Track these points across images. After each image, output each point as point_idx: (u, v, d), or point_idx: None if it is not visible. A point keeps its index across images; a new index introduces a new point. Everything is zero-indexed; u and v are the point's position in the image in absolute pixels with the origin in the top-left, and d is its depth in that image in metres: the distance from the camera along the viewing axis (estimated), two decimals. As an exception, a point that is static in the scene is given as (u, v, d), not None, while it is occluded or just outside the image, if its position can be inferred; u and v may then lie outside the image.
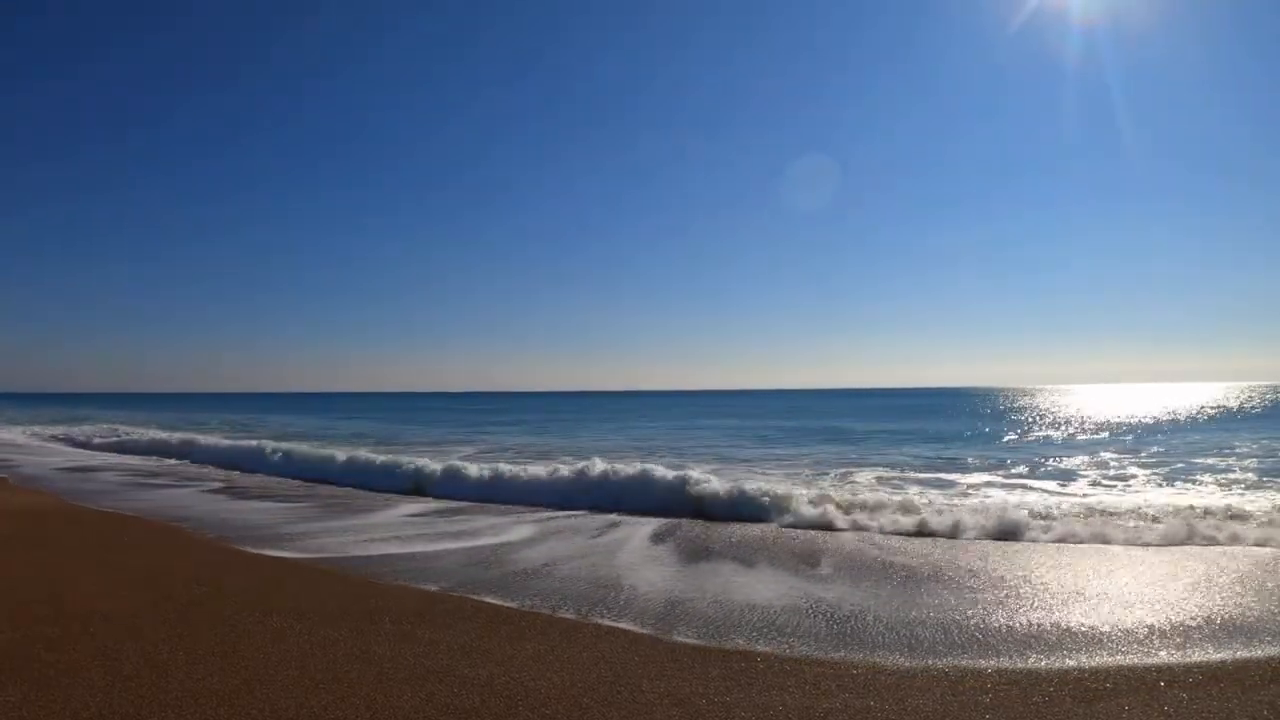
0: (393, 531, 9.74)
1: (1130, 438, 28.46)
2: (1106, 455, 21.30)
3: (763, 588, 6.70)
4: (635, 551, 8.44)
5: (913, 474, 16.72)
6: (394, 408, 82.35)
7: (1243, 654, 4.83)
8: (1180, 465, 18.09)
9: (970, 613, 5.83)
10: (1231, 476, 15.57)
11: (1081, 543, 8.62)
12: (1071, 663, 4.68)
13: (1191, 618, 5.62)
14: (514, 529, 9.86)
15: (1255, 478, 15.37)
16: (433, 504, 12.34)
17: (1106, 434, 31.13)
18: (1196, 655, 4.81)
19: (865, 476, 16.11)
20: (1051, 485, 14.91)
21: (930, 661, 4.73)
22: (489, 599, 6.23)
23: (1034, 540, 8.80)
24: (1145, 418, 43.92)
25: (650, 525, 10.09)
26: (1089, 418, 45.80)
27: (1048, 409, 62.91)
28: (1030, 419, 45.20)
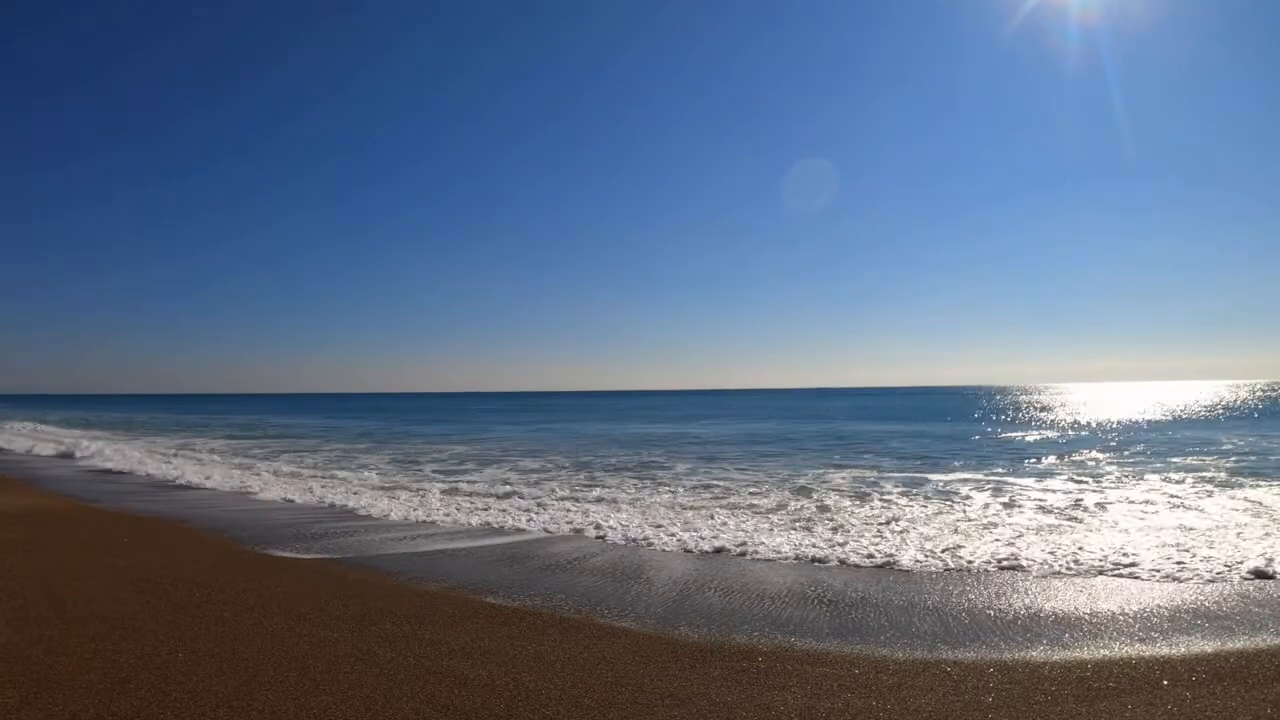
0: (438, 529, 9.84)
1: (1119, 436, 28.32)
2: (1088, 454, 21.07)
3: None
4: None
5: (891, 473, 16.73)
6: (397, 408, 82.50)
7: (1247, 652, 4.81)
8: (1158, 464, 17.90)
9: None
10: (1204, 475, 15.48)
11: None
12: (1074, 661, 4.66)
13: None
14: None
15: (1226, 476, 15.34)
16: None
17: (1097, 432, 30.99)
18: (1200, 653, 4.80)
19: (843, 476, 16.17)
20: (1028, 481, 14.90)
21: (933, 661, 4.71)
22: (491, 599, 6.22)
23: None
24: (1141, 416, 43.80)
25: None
26: (1084, 416, 45.62)
27: (1047, 407, 62.83)
28: (1027, 417, 45.08)
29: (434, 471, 18.00)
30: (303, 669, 4.40)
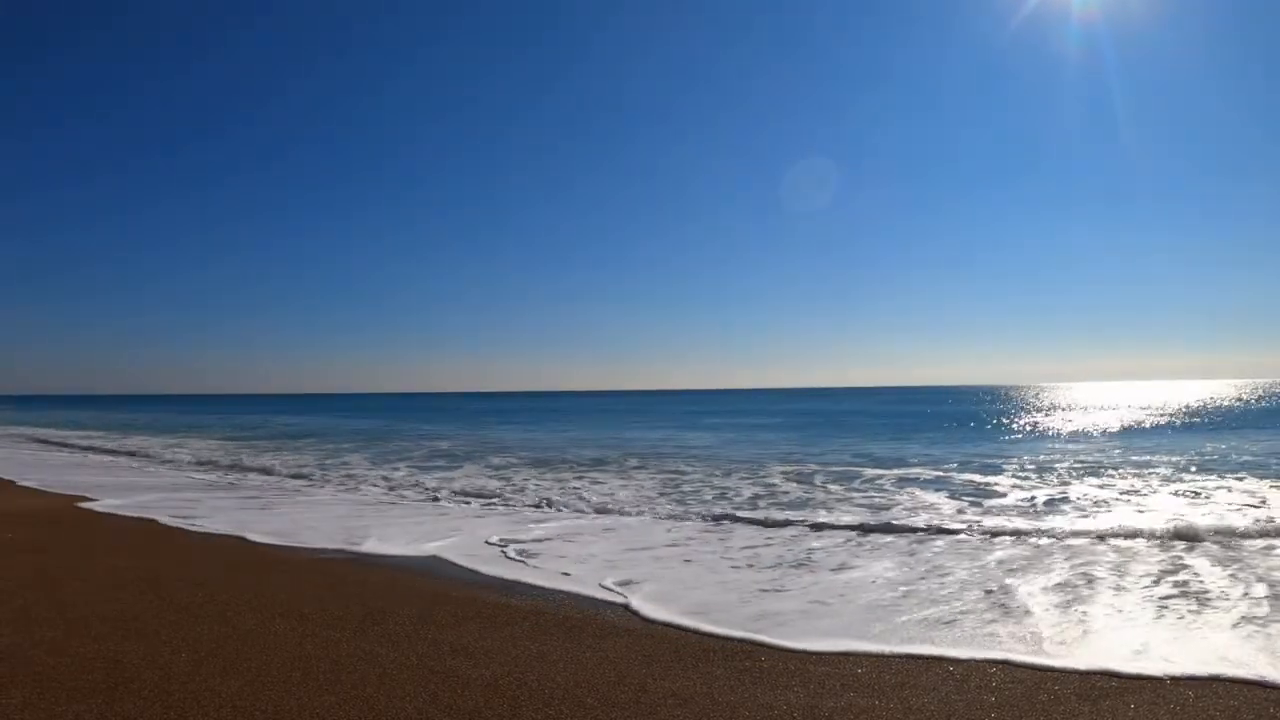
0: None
1: (1091, 437, 27.85)
2: (1046, 456, 20.17)
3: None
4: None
5: (833, 468, 17.06)
6: (404, 407, 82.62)
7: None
8: (1114, 465, 17.39)
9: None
10: (1144, 473, 15.38)
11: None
12: (1076, 660, 4.66)
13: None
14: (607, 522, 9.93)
15: (1169, 472, 15.36)
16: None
17: (1075, 432, 30.57)
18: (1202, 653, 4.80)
19: (778, 469, 16.75)
20: (978, 478, 14.92)
21: (936, 660, 4.72)
22: (493, 598, 6.23)
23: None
24: (1129, 416, 43.13)
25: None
26: (1071, 416, 45.03)
27: (1038, 407, 62.30)
28: (1011, 417, 44.36)
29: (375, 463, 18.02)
30: (306, 669, 4.41)
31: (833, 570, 7.32)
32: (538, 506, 12.02)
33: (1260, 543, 8.21)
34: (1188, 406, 55.50)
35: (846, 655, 4.80)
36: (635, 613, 5.83)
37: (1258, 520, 9.38)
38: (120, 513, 10.98)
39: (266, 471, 18.04)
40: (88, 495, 12.96)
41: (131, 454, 23.57)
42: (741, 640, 5.12)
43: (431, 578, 7.05)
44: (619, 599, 6.23)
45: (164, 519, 10.42)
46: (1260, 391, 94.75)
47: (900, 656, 4.77)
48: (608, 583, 6.75)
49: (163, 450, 24.60)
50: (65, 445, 27.44)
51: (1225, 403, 61.83)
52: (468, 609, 5.86)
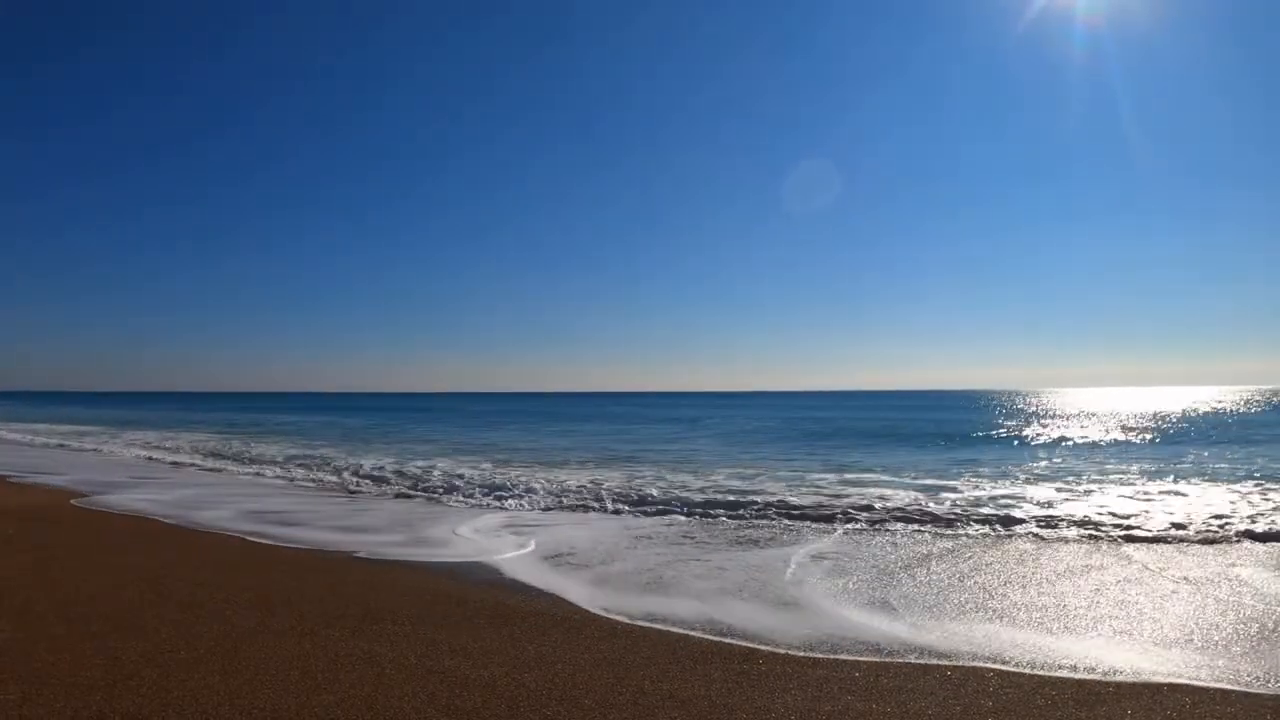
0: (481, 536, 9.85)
1: (1071, 445, 27.46)
2: (1014, 463, 19.65)
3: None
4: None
5: (816, 472, 17.18)
6: (403, 408, 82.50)
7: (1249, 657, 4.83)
8: (1077, 472, 17.19)
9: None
10: (1105, 480, 15.42)
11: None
12: (1075, 666, 4.68)
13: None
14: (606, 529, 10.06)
15: (1138, 479, 15.50)
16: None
17: (1056, 440, 30.25)
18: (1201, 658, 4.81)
19: (724, 470, 17.44)
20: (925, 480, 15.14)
21: (934, 664, 4.73)
22: (492, 598, 6.23)
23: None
24: (1119, 424, 42.50)
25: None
26: (1065, 422, 44.58)
27: (1034, 413, 61.77)
28: (1004, 422, 44.08)
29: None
30: (304, 668, 4.41)
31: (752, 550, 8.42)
32: (505, 508, 12.13)
33: (1156, 544, 8.75)
34: (1180, 413, 55.36)
35: (844, 659, 4.82)
36: (512, 577, 7.06)
37: (1164, 529, 9.64)
38: (120, 509, 10.99)
39: (254, 464, 18.33)
40: (88, 492, 12.97)
41: (130, 450, 23.56)
42: (740, 643, 5.14)
43: (430, 577, 7.06)
44: (515, 577, 7.11)
45: (163, 516, 10.43)
46: (1260, 400, 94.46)
47: (899, 660, 4.79)
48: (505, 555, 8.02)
49: (161, 448, 24.60)
50: (65, 442, 27.42)
51: (1224, 408, 61.78)
52: (467, 609, 5.86)
